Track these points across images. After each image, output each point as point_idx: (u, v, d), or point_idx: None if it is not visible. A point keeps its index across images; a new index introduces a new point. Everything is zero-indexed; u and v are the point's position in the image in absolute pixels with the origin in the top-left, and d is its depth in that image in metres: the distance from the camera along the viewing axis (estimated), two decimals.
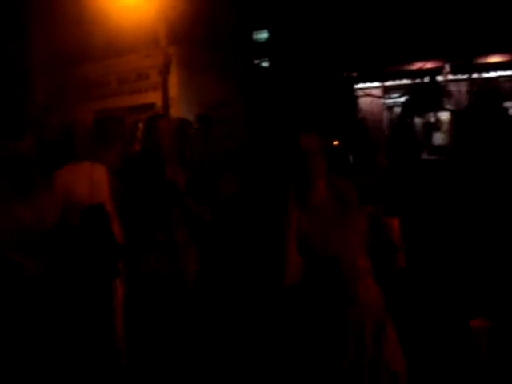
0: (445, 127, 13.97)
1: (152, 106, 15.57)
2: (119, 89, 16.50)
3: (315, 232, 2.88)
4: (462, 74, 14.42)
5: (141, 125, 6.37)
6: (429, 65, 15.05)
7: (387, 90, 15.97)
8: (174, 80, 15.20)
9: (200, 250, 4.37)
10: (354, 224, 2.98)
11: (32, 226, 3.72)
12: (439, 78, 15.91)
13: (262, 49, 19.27)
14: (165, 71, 14.52)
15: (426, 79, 12.23)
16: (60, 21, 15.89)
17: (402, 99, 12.94)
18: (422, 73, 13.65)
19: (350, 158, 8.46)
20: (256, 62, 19.21)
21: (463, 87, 15.58)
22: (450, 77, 16.02)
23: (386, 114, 15.55)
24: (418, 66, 13.99)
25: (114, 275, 4.12)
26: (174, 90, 15.22)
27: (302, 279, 2.86)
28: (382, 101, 16.14)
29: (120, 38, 15.72)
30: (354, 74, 16.18)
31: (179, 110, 15.23)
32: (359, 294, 2.88)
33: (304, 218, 2.92)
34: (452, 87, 16.69)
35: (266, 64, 19.62)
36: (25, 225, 3.70)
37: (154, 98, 15.34)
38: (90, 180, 4.28)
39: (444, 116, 13.64)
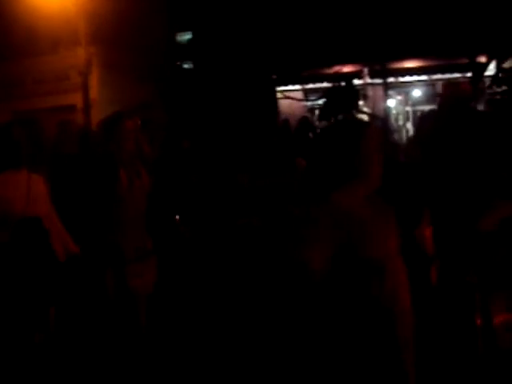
0: None
1: (72, 107, 15.20)
2: (36, 89, 15.96)
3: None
4: (379, 78, 14.98)
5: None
6: (346, 68, 15.54)
7: (308, 93, 16.34)
8: (94, 81, 14.89)
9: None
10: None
11: None
12: (358, 82, 16.48)
13: (186, 50, 19.24)
14: (85, 72, 14.19)
15: (344, 83, 12.63)
16: None
17: (321, 101, 13.28)
18: (341, 76, 14.07)
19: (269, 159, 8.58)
20: (179, 63, 19.14)
21: (379, 91, 16.23)
22: (368, 80, 16.64)
23: (308, 116, 15.90)
24: (336, 69, 14.42)
25: (50, 299, 3.65)
26: (94, 91, 14.90)
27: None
28: (304, 103, 16.49)
29: (38, 37, 15.25)
30: (274, 77, 16.44)
31: (100, 111, 14.94)
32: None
33: None
34: (369, 91, 17.35)
35: (189, 66, 19.61)
36: None
37: (75, 99, 14.95)
38: (27, 191, 3.71)
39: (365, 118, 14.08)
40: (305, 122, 9.38)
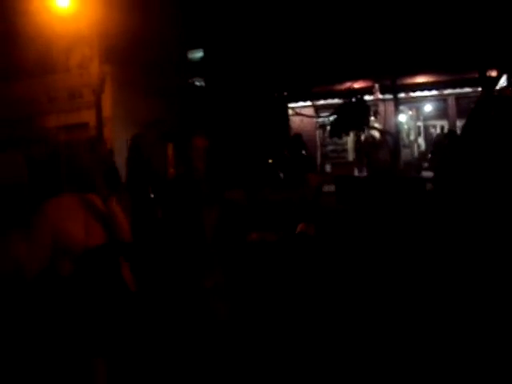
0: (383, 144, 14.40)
1: (85, 124, 15.38)
2: (51, 107, 16.16)
3: None
4: (390, 93, 15.03)
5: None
6: (358, 84, 15.59)
7: (319, 109, 16.42)
8: (108, 99, 15.06)
9: None
10: None
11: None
12: (369, 98, 16.54)
13: (198, 68, 19.42)
14: (99, 90, 14.38)
15: (355, 99, 12.65)
16: None
17: (332, 118, 13.32)
18: (352, 92, 14.11)
19: (281, 174, 8.60)
20: (191, 80, 19.31)
21: (391, 106, 16.28)
22: (380, 96, 16.69)
23: (318, 132, 15.98)
24: (347, 85, 14.47)
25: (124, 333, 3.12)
26: (107, 109, 15.06)
27: None
28: (315, 119, 16.55)
29: (53, 56, 15.48)
30: (285, 94, 16.52)
31: (113, 129, 15.10)
32: None
33: None
34: (381, 106, 17.41)
35: (200, 83, 19.77)
36: None
37: (88, 116, 15.12)
38: (86, 217, 3.16)
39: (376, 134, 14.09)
40: (297, 139, 9.39)
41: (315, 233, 3.95)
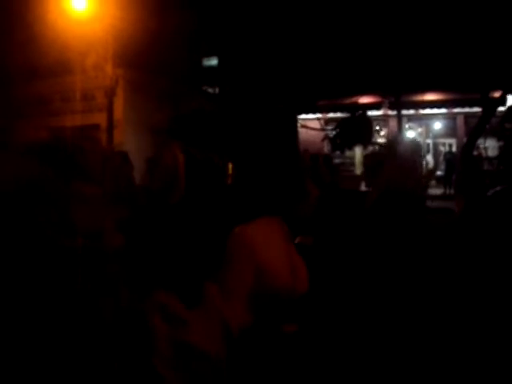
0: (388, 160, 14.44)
1: (97, 126, 15.60)
2: (64, 107, 16.45)
3: None
4: (399, 109, 15.11)
5: None
6: (367, 99, 15.70)
7: (328, 122, 16.51)
8: (119, 102, 15.30)
9: None
10: None
11: None
12: (378, 113, 16.65)
13: (211, 75, 19.58)
14: (111, 93, 14.61)
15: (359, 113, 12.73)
16: (6, 38, 15.81)
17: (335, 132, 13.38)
18: (360, 107, 14.19)
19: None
20: (204, 87, 19.47)
21: (394, 122, 16.37)
22: (389, 112, 16.77)
23: (326, 145, 16.05)
24: (354, 99, 14.58)
25: None
26: (119, 112, 15.30)
27: None
28: (324, 132, 16.62)
29: (68, 58, 15.75)
30: (292, 105, 16.64)
31: (124, 132, 15.33)
32: None
33: None
34: (390, 122, 17.52)
35: (214, 90, 19.92)
36: None
37: (99, 118, 15.36)
38: (289, 250, 2.43)
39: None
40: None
41: (314, 243, 3.91)
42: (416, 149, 6.15)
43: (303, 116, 17.59)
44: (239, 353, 2.18)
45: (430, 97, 16.74)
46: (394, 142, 8.00)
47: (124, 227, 3.99)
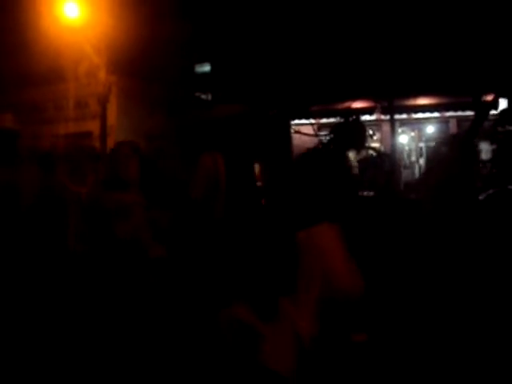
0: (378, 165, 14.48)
1: (90, 133, 15.59)
2: (57, 115, 16.45)
3: None
4: (391, 114, 15.17)
5: None
6: (360, 104, 15.72)
7: (321, 127, 16.51)
8: (113, 109, 15.31)
9: None
10: None
11: None
12: (371, 118, 16.67)
13: (204, 81, 19.58)
14: (104, 100, 14.61)
15: (353, 118, 12.71)
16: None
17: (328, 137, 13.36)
18: (353, 112, 14.20)
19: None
20: (197, 94, 19.48)
21: (387, 127, 16.43)
22: (382, 117, 16.82)
23: None
24: (347, 104, 14.59)
25: None
26: (112, 119, 15.30)
27: None
28: (317, 138, 16.65)
29: (60, 65, 15.75)
30: (287, 111, 16.65)
31: (117, 139, 15.28)
32: None
33: None
34: (383, 127, 17.56)
35: (207, 97, 19.93)
36: None
37: (92, 126, 15.37)
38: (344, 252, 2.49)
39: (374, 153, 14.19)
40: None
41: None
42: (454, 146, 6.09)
43: (296, 121, 17.60)
44: (311, 364, 2.19)
45: (423, 101, 16.78)
46: (440, 145, 7.94)
47: (165, 237, 3.99)
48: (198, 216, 4.53)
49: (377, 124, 17.75)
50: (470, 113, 14.90)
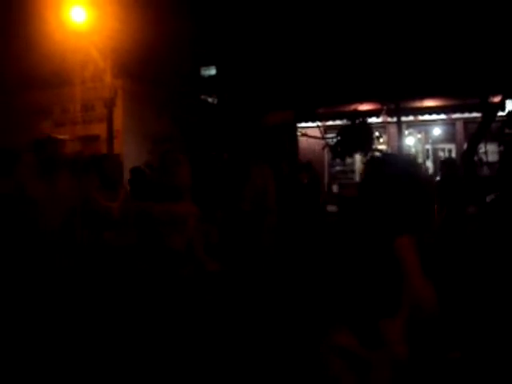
0: None
1: (97, 137, 15.63)
2: (63, 119, 16.51)
3: None
4: (398, 116, 15.11)
5: None
6: (366, 107, 15.71)
7: (328, 130, 16.52)
8: (119, 112, 15.35)
9: None
10: None
11: None
12: (378, 120, 16.64)
13: (210, 84, 19.56)
14: (110, 103, 14.65)
15: (358, 121, 12.73)
16: (6, 49, 15.87)
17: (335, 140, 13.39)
18: (359, 114, 14.21)
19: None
20: (203, 97, 19.45)
21: (393, 129, 16.38)
22: (388, 119, 16.77)
23: (326, 153, 16.05)
24: (352, 107, 14.60)
25: None
26: (119, 122, 15.35)
27: None
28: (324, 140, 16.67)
29: (66, 69, 15.81)
30: (294, 114, 16.67)
31: (123, 142, 15.35)
32: None
33: None
34: (390, 129, 17.53)
35: (212, 100, 19.90)
36: None
37: (99, 129, 15.42)
38: None
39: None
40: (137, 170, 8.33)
41: None
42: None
43: (303, 124, 17.60)
44: None
45: (429, 103, 16.72)
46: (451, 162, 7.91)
47: (215, 251, 3.91)
48: (250, 228, 4.45)
49: (383, 126, 17.73)
50: (477, 114, 14.85)
